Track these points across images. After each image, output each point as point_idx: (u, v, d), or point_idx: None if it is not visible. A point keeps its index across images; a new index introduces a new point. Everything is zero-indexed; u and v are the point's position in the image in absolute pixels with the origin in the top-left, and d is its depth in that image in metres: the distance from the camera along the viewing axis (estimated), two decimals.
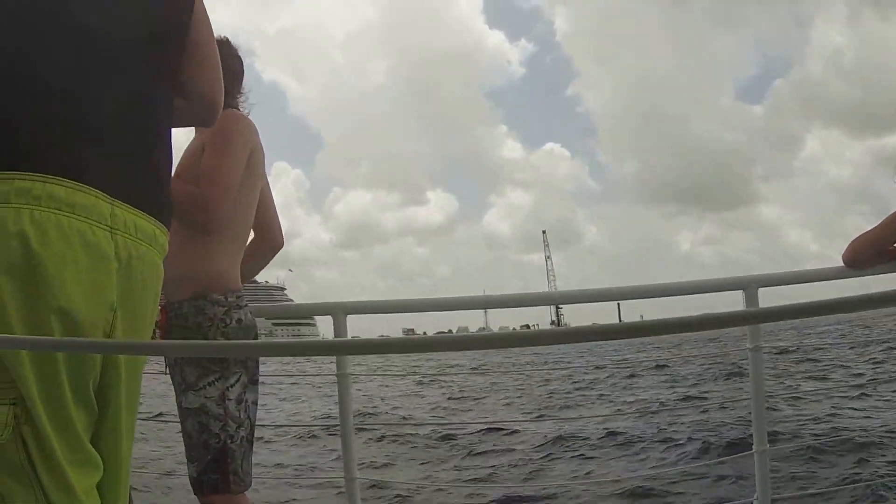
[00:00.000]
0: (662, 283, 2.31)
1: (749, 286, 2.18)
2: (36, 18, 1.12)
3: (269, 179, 2.23)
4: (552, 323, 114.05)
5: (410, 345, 0.85)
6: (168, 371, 1.93)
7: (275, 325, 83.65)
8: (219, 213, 1.90)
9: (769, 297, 2.23)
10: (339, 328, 2.29)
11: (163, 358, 1.93)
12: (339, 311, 2.31)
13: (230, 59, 2.10)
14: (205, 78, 1.46)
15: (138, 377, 1.27)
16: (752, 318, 1.04)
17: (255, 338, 2.02)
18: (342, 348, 1.38)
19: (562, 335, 0.72)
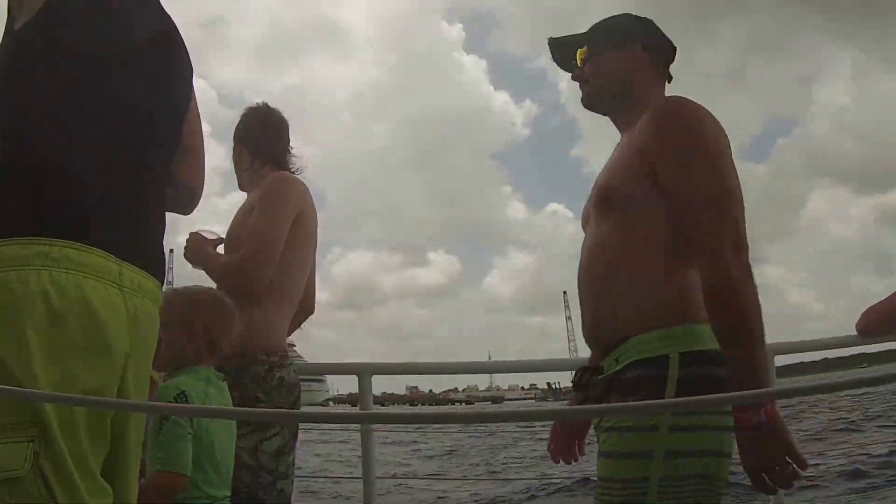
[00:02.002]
0: None
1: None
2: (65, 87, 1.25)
3: None
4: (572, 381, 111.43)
5: (440, 417, 0.83)
6: None
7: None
8: (259, 279, 1.94)
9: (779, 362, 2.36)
10: (365, 388, 2.37)
11: None
12: (364, 372, 2.39)
13: (274, 122, 2.25)
14: (192, 166, 1.55)
15: (143, 419, 1.38)
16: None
17: (298, 396, 2.03)
18: (366, 419, 1.37)
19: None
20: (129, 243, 1.29)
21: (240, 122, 2.30)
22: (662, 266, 1.35)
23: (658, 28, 1.63)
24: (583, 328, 1.49)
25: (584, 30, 1.62)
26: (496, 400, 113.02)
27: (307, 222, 2.10)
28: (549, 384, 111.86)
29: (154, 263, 1.36)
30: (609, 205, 1.45)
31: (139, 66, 1.38)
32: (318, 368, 2.79)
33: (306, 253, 2.13)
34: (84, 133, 1.26)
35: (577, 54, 1.61)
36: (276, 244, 1.97)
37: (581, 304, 1.49)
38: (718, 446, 1.27)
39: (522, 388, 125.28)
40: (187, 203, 1.59)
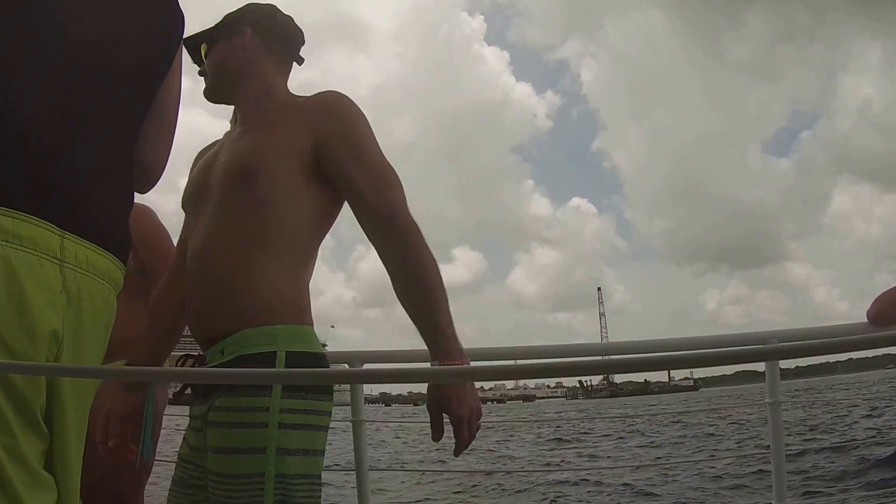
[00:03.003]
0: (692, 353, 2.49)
1: (769, 342, 2.20)
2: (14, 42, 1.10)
3: None
4: (604, 379, 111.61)
5: (427, 375, 0.79)
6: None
7: None
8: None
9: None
10: (357, 388, 2.33)
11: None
12: (355, 360, 2.34)
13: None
14: (157, 139, 1.38)
15: (86, 407, 1.24)
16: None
17: None
18: (357, 377, 1.35)
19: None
20: (81, 214, 1.15)
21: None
22: (289, 260, 1.38)
23: (279, 13, 1.63)
24: (189, 315, 1.46)
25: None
26: (528, 398, 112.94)
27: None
28: (580, 381, 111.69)
29: (114, 240, 1.21)
30: (249, 184, 1.39)
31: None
32: None
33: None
34: (27, 75, 1.10)
35: (201, 50, 1.62)
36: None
37: (193, 291, 1.44)
38: (322, 446, 1.35)
39: (548, 386, 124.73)
40: (143, 180, 1.39)
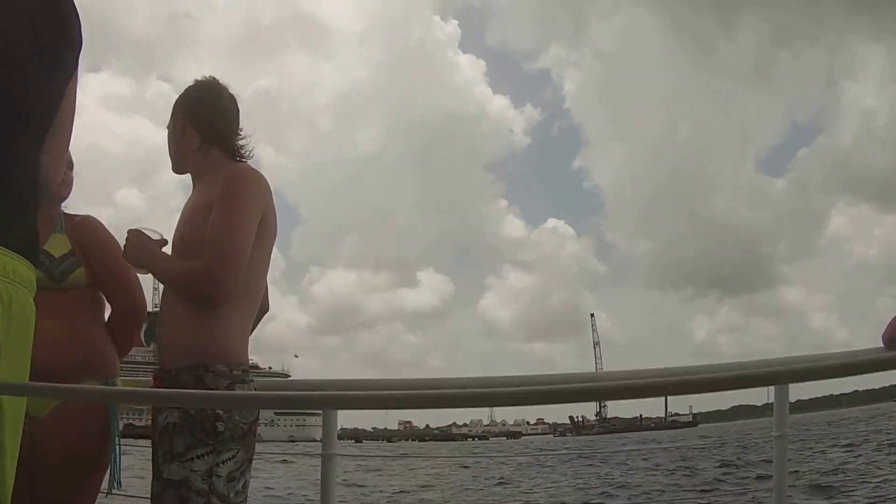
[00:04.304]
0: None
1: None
2: None
3: None
4: (597, 414, 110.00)
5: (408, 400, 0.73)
6: (154, 438, 1.82)
7: (277, 414, 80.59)
8: (229, 286, 1.81)
9: (798, 389, 2.15)
10: (329, 414, 2.22)
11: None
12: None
13: (226, 100, 2.06)
14: (51, 153, 1.38)
15: (19, 421, 1.25)
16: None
17: (257, 416, 1.89)
18: (330, 401, 1.28)
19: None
20: (5, 225, 1.20)
21: (186, 94, 2.06)
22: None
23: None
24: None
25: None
26: (513, 435, 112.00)
27: (271, 221, 1.97)
28: (571, 418, 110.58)
29: (29, 248, 1.26)
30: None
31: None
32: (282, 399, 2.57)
33: (269, 254, 2.00)
34: None
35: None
36: (246, 249, 1.84)
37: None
38: None
39: (528, 422, 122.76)
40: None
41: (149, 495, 1.80)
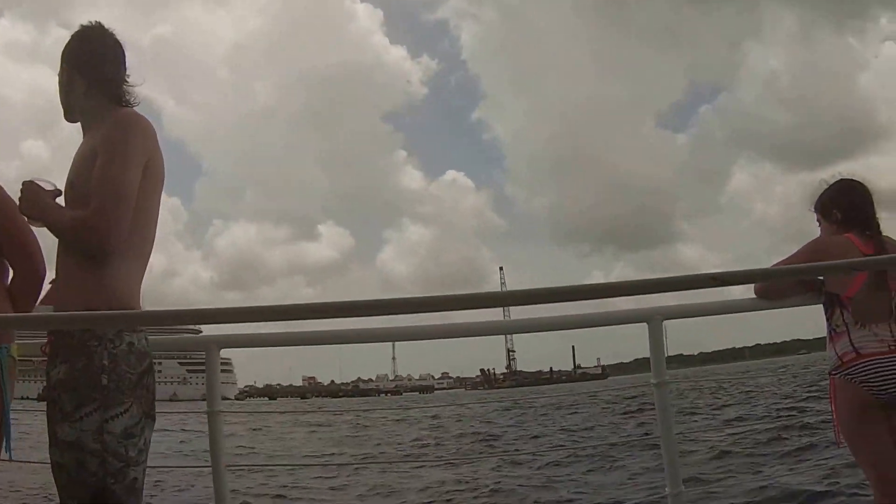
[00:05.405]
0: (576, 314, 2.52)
1: (653, 318, 2.17)
2: None
3: None
4: (507, 367, 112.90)
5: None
6: (46, 399, 1.77)
7: (190, 371, 79.67)
8: (114, 236, 1.78)
9: (674, 330, 2.22)
10: (213, 363, 2.13)
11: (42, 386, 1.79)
12: (212, 345, 2.15)
13: (111, 46, 2.03)
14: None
15: None
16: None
17: (150, 367, 1.85)
18: (209, 315, 1.24)
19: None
20: None
21: (71, 42, 2.04)
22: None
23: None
24: None
25: None
26: (426, 389, 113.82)
27: (157, 167, 1.93)
28: (482, 370, 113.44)
29: None
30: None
31: None
32: (166, 345, 2.48)
33: (157, 202, 1.97)
34: None
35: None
36: (130, 196, 1.81)
37: None
38: None
39: (433, 376, 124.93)
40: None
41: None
